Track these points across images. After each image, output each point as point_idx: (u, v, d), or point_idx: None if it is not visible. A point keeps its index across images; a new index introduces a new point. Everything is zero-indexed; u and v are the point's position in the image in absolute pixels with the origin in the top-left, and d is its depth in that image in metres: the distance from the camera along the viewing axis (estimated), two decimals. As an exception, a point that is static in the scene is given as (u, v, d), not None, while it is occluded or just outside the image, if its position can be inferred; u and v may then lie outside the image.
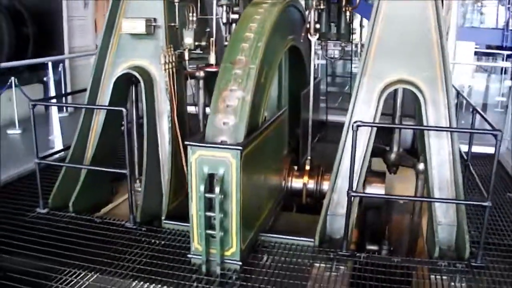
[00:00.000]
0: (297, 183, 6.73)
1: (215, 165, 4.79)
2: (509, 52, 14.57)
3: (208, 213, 4.81)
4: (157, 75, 6.10)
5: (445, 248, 5.61)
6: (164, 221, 5.87)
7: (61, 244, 5.42)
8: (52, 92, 8.41)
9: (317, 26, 6.45)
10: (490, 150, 8.69)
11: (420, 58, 5.67)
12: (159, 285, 4.75)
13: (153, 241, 5.55)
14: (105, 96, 6.24)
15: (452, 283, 4.94)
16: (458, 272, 5.04)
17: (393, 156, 6.57)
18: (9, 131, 9.56)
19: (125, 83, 6.31)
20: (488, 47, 17.13)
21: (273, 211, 6.16)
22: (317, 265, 5.14)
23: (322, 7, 6.33)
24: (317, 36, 6.50)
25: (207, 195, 4.76)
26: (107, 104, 6.15)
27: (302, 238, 5.53)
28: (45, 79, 8.48)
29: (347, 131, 5.72)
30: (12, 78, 8.52)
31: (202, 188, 4.76)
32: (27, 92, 8.39)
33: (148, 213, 5.98)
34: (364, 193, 5.60)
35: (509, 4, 18.00)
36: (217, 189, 4.72)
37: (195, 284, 4.78)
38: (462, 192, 5.55)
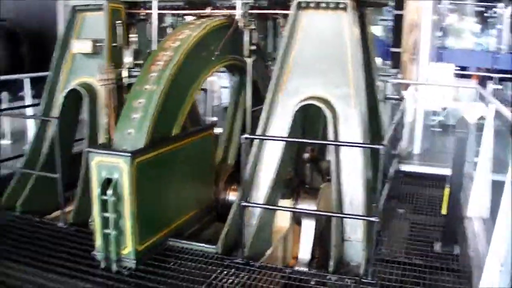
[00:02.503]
0: (233, 196, 7.03)
1: (111, 170, 5.25)
2: (500, 75, 14.01)
3: (104, 214, 5.27)
4: (102, 91, 6.69)
5: (355, 265, 5.70)
6: (90, 223, 6.36)
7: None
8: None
9: (253, 47, 6.74)
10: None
11: (334, 75, 5.85)
12: (64, 277, 5.23)
13: (76, 239, 6.06)
14: (57, 109, 6.91)
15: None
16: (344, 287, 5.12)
17: (324, 164, 6.73)
18: (2, 141, 10.50)
19: (77, 97, 6.92)
20: (478, 69, 16.46)
21: (196, 219, 6.50)
22: (214, 271, 5.37)
23: (252, 27, 6.61)
24: (254, 57, 6.79)
25: (102, 197, 5.23)
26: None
27: (206, 245, 5.82)
28: (21, 94, 9.40)
29: (259, 145, 6.01)
30: (4, 93, 9.53)
31: (98, 190, 5.24)
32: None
33: (82, 215, 6.50)
34: (254, 204, 5.80)
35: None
36: (109, 192, 5.17)
37: (92, 278, 5.21)
38: (365, 209, 5.61)
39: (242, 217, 5.53)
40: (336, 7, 5.85)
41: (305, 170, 7.03)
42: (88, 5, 6.89)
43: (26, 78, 9.03)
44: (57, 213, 7.06)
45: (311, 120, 6.65)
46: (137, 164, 5.26)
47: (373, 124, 7.29)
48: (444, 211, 5.95)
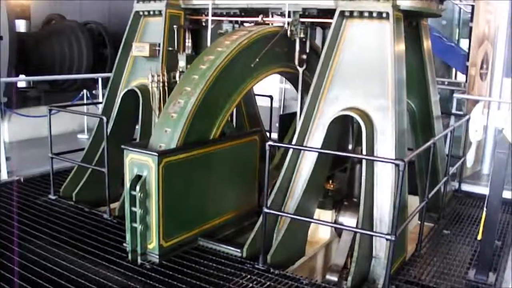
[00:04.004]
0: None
1: (141, 167, 5.52)
2: None
3: (133, 208, 5.53)
4: (156, 92, 7.00)
5: (378, 283, 5.54)
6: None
7: (45, 219, 6.68)
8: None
9: (303, 56, 6.73)
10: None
11: (373, 86, 5.73)
12: (89, 263, 5.57)
13: (115, 231, 6.39)
14: (116, 108, 7.33)
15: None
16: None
17: None
18: (79, 136, 11.27)
19: (134, 98, 7.26)
20: None
21: (234, 223, 6.61)
22: (233, 274, 5.45)
23: (302, 35, 6.59)
24: (304, 67, 6.77)
25: (132, 192, 5.50)
26: (115, 115, 7.23)
27: (232, 248, 5.91)
28: (94, 92, 9.98)
29: (298, 155, 5.98)
30: (84, 90, 10.22)
31: (128, 185, 5.52)
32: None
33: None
34: (278, 211, 5.77)
35: None
36: (137, 188, 5.43)
37: (114, 267, 5.50)
38: (392, 227, 5.38)
39: (265, 223, 5.57)
40: (380, 17, 5.71)
41: (355, 173, 6.86)
42: (150, 11, 7.27)
43: (99, 77, 9.72)
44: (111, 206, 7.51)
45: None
46: (165, 163, 5.47)
47: (425, 140, 7.00)
48: (479, 236, 5.57)
